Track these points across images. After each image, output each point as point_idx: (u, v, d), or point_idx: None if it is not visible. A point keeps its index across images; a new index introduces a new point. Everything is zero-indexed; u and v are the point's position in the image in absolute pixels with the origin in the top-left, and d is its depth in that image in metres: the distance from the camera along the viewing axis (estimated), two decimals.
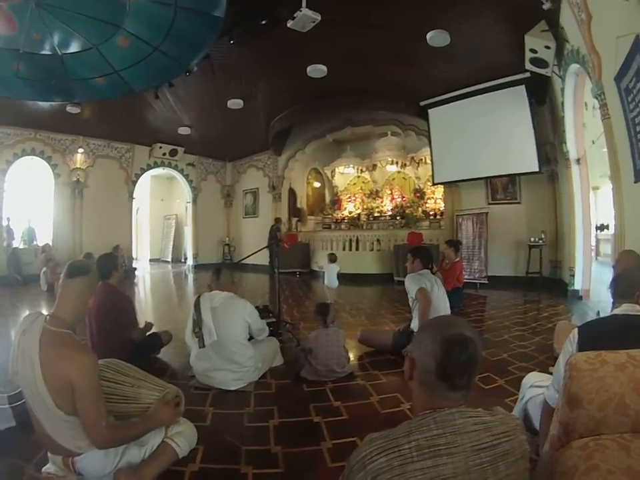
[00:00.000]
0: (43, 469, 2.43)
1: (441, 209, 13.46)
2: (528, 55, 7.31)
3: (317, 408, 3.38)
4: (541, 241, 9.73)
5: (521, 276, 10.18)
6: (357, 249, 12.96)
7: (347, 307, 8.03)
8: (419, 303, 4.61)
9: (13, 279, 11.93)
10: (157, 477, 2.39)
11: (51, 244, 13.18)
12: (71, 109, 10.98)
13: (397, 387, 3.83)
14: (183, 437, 2.61)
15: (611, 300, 2.42)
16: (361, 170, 16.88)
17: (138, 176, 15.78)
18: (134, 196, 15.82)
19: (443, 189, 12.58)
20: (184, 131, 13.54)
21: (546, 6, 6.18)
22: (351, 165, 16.74)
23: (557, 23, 6.65)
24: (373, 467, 1.18)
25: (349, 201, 17.23)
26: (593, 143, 7.86)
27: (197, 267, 16.94)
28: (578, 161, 8.00)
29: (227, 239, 18.15)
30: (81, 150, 14.12)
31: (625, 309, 2.21)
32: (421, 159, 14.75)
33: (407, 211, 14.85)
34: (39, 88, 7.97)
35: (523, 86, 9.15)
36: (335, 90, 10.11)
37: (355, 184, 17.36)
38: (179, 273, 16.41)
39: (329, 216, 17.19)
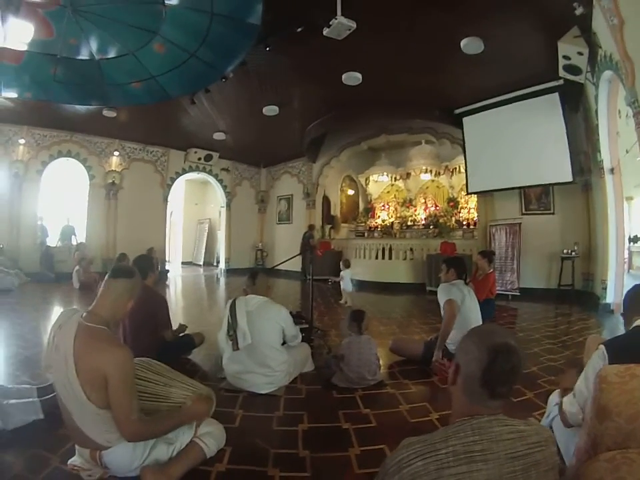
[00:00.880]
0: (69, 461, 2.46)
1: (475, 218, 13.28)
2: (561, 62, 7.23)
3: (346, 415, 3.36)
4: (573, 253, 9.50)
5: (553, 288, 9.95)
6: (390, 257, 12.83)
7: (379, 315, 7.97)
8: (445, 313, 4.57)
9: (46, 276, 12.20)
10: (184, 476, 2.40)
11: (84, 243, 13.48)
12: (107, 113, 11.22)
13: (426, 396, 3.81)
14: (211, 437, 2.64)
15: (623, 314, 2.41)
16: (395, 178, 16.75)
17: (173, 180, 16.00)
18: (168, 199, 16.03)
19: (476, 199, 12.44)
20: (219, 136, 13.67)
21: (578, 11, 6.13)
22: (385, 173, 16.64)
23: (590, 28, 6.58)
24: (410, 470, 1.20)
25: (383, 209, 17.14)
26: (627, 152, 7.66)
27: (229, 272, 17.04)
28: (612, 170, 7.82)
29: (260, 244, 18.23)
30: (116, 153, 14.42)
31: None
32: (455, 168, 14.59)
33: (440, 221, 14.69)
34: (76, 92, 8.15)
35: (557, 94, 9.02)
36: (369, 97, 10.10)
37: (388, 192, 17.25)
38: (210, 277, 16.52)
39: (362, 224, 17.08)
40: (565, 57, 7.07)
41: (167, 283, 13.80)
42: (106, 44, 6.82)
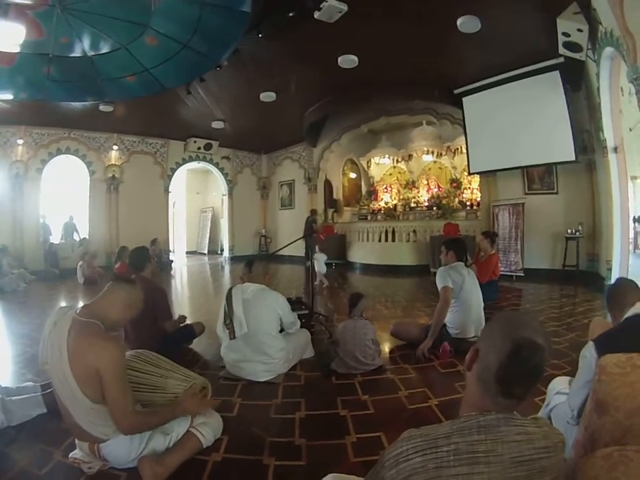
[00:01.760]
0: (71, 454, 2.50)
1: (478, 199, 13.20)
2: (561, 39, 7.06)
3: (345, 401, 3.36)
4: (578, 233, 9.38)
5: (558, 269, 9.84)
6: (393, 240, 12.82)
7: (382, 298, 7.99)
8: (439, 300, 4.57)
9: (50, 273, 12.27)
10: (181, 465, 2.42)
11: (87, 238, 13.54)
12: (103, 108, 11.23)
13: (426, 382, 3.79)
14: (208, 427, 2.67)
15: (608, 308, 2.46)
16: (397, 160, 16.61)
17: (173, 170, 16.01)
18: (170, 190, 16.05)
19: (479, 179, 12.35)
20: (217, 124, 13.62)
21: None
22: (387, 155, 16.51)
23: (589, 4, 6.38)
24: (407, 466, 1.14)
25: (385, 192, 17.08)
26: (630, 130, 7.51)
27: (233, 259, 17.08)
28: (615, 149, 7.66)
29: (263, 230, 18.24)
30: (115, 147, 14.44)
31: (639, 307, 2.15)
32: (457, 148, 14.43)
33: (443, 202, 14.65)
34: (71, 89, 8.14)
35: (558, 71, 8.83)
36: (367, 80, 9.99)
37: (390, 174, 17.18)
38: (215, 265, 16.58)
39: (365, 207, 17.00)
40: (565, 34, 6.92)
41: (172, 273, 13.83)
42: (97, 40, 6.79)
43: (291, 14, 6.86)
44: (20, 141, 12.78)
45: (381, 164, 17.06)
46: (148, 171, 15.24)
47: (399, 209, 16.09)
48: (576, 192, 9.75)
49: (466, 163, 11.90)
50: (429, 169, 16.05)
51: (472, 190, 14.29)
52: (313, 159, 16.27)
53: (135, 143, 14.96)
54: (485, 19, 7.16)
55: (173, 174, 16.06)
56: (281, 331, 4.15)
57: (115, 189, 14.43)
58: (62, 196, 15.24)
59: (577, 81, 8.80)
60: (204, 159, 16.74)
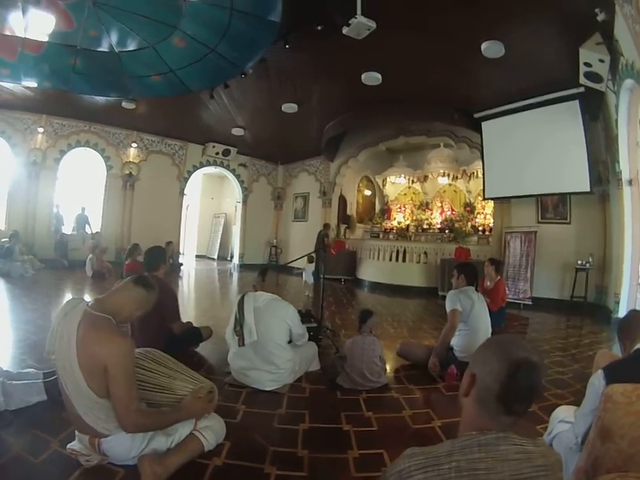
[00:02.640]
0: (68, 445, 2.49)
1: (490, 224, 13.17)
2: (582, 69, 7.10)
3: (348, 416, 3.34)
4: (588, 264, 9.32)
5: (566, 299, 9.77)
6: (404, 260, 12.73)
7: (390, 318, 7.93)
8: (447, 321, 4.58)
9: (59, 263, 12.40)
10: (180, 468, 2.40)
11: (99, 232, 13.63)
12: (126, 105, 11.38)
13: (431, 403, 3.77)
14: (211, 431, 2.65)
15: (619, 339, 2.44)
16: (412, 180, 16.58)
17: (190, 173, 16.08)
18: (185, 192, 16.11)
19: (493, 205, 12.33)
20: (237, 131, 13.71)
21: (600, 17, 6.01)
22: (403, 175, 16.49)
23: (612, 35, 6.42)
24: None
25: (399, 211, 17.05)
26: None
27: (242, 267, 17.08)
28: (630, 181, 7.63)
29: (274, 240, 18.22)
30: (134, 144, 14.58)
31: None
32: (473, 173, 14.44)
33: (456, 225, 14.58)
34: (95, 83, 8.24)
35: (577, 101, 8.87)
36: (389, 98, 10.06)
37: (405, 194, 17.15)
38: (224, 271, 16.61)
39: (378, 225, 16.99)
40: (586, 64, 6.96)
41: (180, 275, 13.85)
42: (126, 37, 6.88)
43: (319, 27, 6.93)
44: (40, 129, 12.96)
45: (396, 183, 17.03)
46: (165, 171, 15.35)
47: (411, 229, 16.02)
48: (588, 223, 9.70)
49: (481, 188, 11.95)
50: (444, 191, 16.01)
51: (485, 215, 14.23)
52: (329, 173, 16.31)
53: (154, 142, 15.10)
54: (509, 44, 7.24)
55: (190, 177, 16.14)
56: (289, 342, 4.13)
57: (131, 186, 14.55)
58: (77, 188, 15.34)
59: (595, 112, 8.83)
60: (221, 165, 16.84)
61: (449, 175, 15.29)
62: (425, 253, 12.55)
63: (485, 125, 10.84)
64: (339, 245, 14.04)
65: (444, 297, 4.89)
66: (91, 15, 6.27)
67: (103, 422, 2.32)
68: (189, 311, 7.31)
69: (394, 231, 16.21)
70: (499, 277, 7.10)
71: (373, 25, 6.22)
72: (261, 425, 3.16)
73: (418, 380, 4.34)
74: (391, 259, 12.91)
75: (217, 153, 15.97)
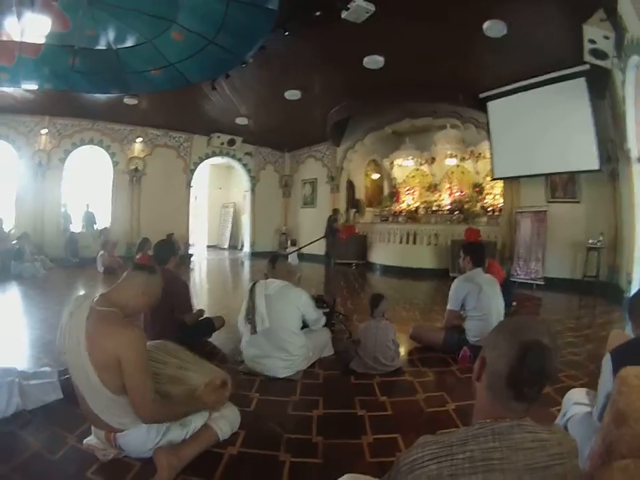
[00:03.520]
0: (85, 440, 2.53)
1: (500, 205, 13.01)
2: (587, 46, 6.96)
3: (362, 401, 3.35)
4: (599, 244, 9.17)
5: (578, 279, 9.64)
6: (414, 242, 12.68)
7: (401, 301, 7.93)
8: (444, 319, 4.71)
9: (70, 261, 12.44)
10: (195, 458, 2.42)
11: (108, 228, 13.68)
12: (128, 101, 11.37)
13: (444, 385, 3.76)
14: (225, 421, 2.67)
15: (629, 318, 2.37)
16: (420, 163, 16.46)
17: (196, 164, 16.07)
18: (192, 184, 16.13)
19: (502, 185, 12.22)
20: (242, 121, 13.64)
21: None
22: (410, 157, 16.37)
23: (616, 11, 6.26)
24: (422, 473, 1.14)
25: (408, 194, 16.88)
26: None
27: (254, 255, 17.05)
28: (639, 159, 7.50)
29: (284, 228, 18.19)
30: (139, 139, 14.59)
31: None
32: (480, 153, 14.31)
33: (465, 206, 14.46)
34: (96, 81, 8.25)
35: (583, 79, 8.69)
36: (392, 81, 9.90)
37: (413, 177, 16.93)
38: (235, 260, 16.64)
39: (387, 208, 16.81)
40: (591, 41, 6.83)
41: (191, 266, 13.87)
42: (123, 33, 6.87)
43: (318, 13, 6.83)
44: (44, 131, 13.00)
45: (404, 166, 16.88)
46: (171, 164, 15.34)
47: (421, 211, 15.84)
48: (599, 201, 9.53)
49: (489, 168, 11.81)
50: (452, 172, 15.81)
51: (494, 195, 14.06)
52: (336, 159, 16.16)
53: (159, 136, 15.06)
54: (511, 23, 7.07)
55: (196, 168, 16.12)
56: (303, 327, 4.15)
57: (138, 180, 14.57)
58: (85, 185, 15.47)
59: (602, 89, 8.61)
60: (227, 155, 16.79)
61: (456, 156, 15.17)
62: (436, 234, 12.51)
63: (490, 104, 10.68)
64: (349, 230, 13.97)
65: (455, 278, 4.86)
66: (86, 14, 6.25)
67: (117, 417, 2.34)
68: (201, 302, 7.34)
69: (403, 214, 16.01)
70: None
71: (372, 7, 6.17)
72: (275, 412, 3.18)
73: (431, 363, 4.34)
74: (401, 242, 12.89)
75: (222, 143, 15.90)
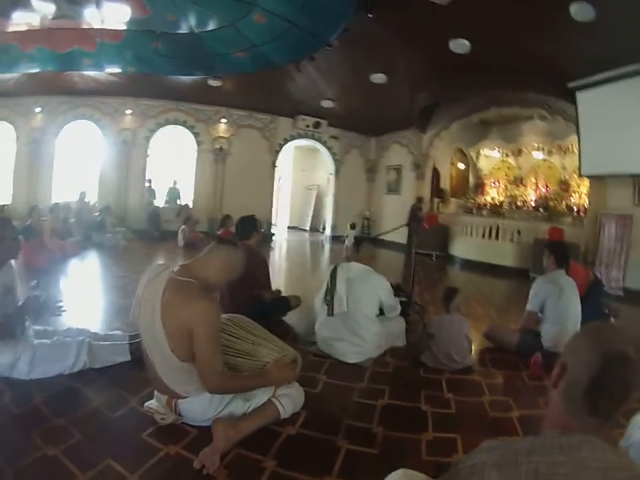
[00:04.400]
0: (146, 403, 2.62)
1: (585, 205, 12.25)
2: None
3: (428, 396, 3.29)
4: None
5: None
6: (497, 238, 12.27)
7: (479, 297, 7.76)
8: (522, 319, 4.54)
9: (151, 234, 12.93)
10: (253, 433, 2.44)
11: (191, 205, 14.19)
12: (212, 82, 11.65)
13: (511, 390, 3.60)
14: (289, 399, 2.68)
15: None
16: (506, 154, 15.97)
17: (281, 146, 16.21)
18: (276, 165, 16.30)
19: (588, 183, 11.53)
20: (327, 103, 13.60)
21: None
22: (496, 148, 15.93)
23: None
24: (481, 479, 1.07)
25: (492, 187, 16.45)
26: None
27: (334, 238, 17.02)
28: None
29: (367, 213, 18.01)
30: (223, 120, 14.91)
31: None
32: (568, 147, 13.58)
33: (550, 204, 13.84)
34: (179, 64, 8.47)
35: None
36: (478, 66, 9.43)
37: (499, 169, 16.48)
38: (315, 242, 16.78)
39: (472, 200, 16.37)
40: None
41: (272, 245, 14.09)
42: (204, 18, 7.03)
43: None
44: (128, 111, 13.72)
45: (489, 157, 16.47)
46: (255, 145, 15.56)
47: (505, 206, 15.31)
48: None
49: (576, 164, 11.14)
50: (538, 166, 15.21)
51: (580, 195, 13.37)
52: (421, 146, 15.73)
53: (243, 117, 15.33)
54: (600, 6, 6.50)
55: (281, 149, 16.28)
56: (379, 315, 4.12)
57: (222, 160, 14.94)
58: (168, 163, 15.98)
59: None
60: (312, 137, 16.80)
61: (543, 150, 14.59)
62: (518, 231, 11.99)
63: (579, 95, 9.92)
64: (432, 219, 13.70)
65: (534, 280, 4.68)
66: (165, 0, 6.40)
67: (182, 384, 2.41)
68: (279, 281, 7.44)
69: (487, 207, 15.59)
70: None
71: None
72: (340, 397, 3.19)
73: (502, 365, 4.19)
74: (483, 236, 12.52)
75: (308, 126, 15.92)
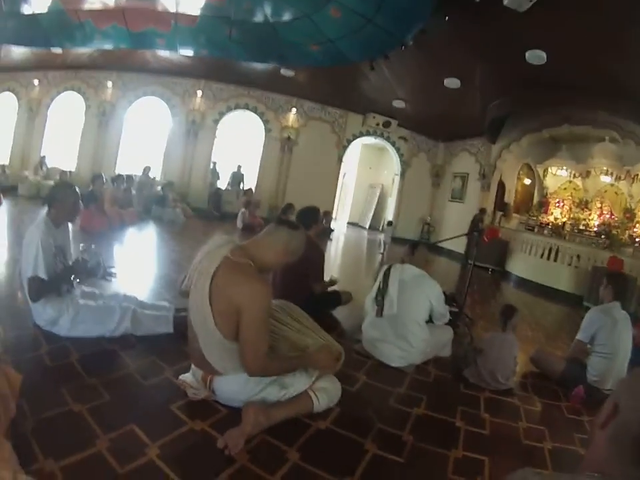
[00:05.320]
0: (181, 376, 2.67)
1: None
2: None
3: (464, 413, 3.24)
4: None
5: None
6: (555, 259, 11.81)
7: (529, 318, 7.54)
8: (572, 348, 4.40)
9: (211, 214, 13.27)
10: (283, 422, 2.44)
11: (253, 189, 14.23)
12: (284, 72, 11.81)
13: (548, 420, 3.48)
14: (325, 393, 2.67)
15: None
16: (574, 175, 15.43)
17: (349, 142, 16.21)
18: (343, 160, 16.35)
19: None
20: (398, 104, 13.53)
21: None
22: (565, 167, 15.42)
23: None
24: None
25: (557, 206, 15.95)
26: None
27: (393, 239, 16.51)
28: None
29: (429, 218, 17.85)
30: (294, 110, 15.06)
31: None
32: (638, 174, 13.10)
33: (613, 232, 13.24)
34: (253, 51, 8.57)
35: None
36: (553, 80, 9.15)
37: (565, 189, 15.96)
38: (373, 241, 16.56)
39: (534, 217, 15.88)
40: None
41: (330, 238, 14.05)
42: (280, 8, 7.09)
43: None
44: (199, 92, 14.13)
45: (557, 175, 15.94)
46: (324, 138, 15.64)
47: (567, 228, 14.87)
48: None
49: None
50: (605, 191, 14.65)
51: None
52: (490, 156, 15.38)
53: (314, 109, 15.45)
54: None
55: (349, 145, 16.29)
56: (428, 321, 4.09)
57: (289, 149, 15.11)
58: (234, 147, 16.30)
59: None
60: (381, 136, 16.72)
61: (611, 174, 14.02)
62: (578, 256, 11.51)
63: None
64: (493, 233, 13.29)
65: (588, 309, 4.54)
66: None
67: (222, 361, 2.43)
68: (333, 274, 7.49)
69: (549, 227, 15.14)
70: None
71: None
72: (376, 399, 3.19)
73: (543, 392, 4.06)
74: (542, 256, 12.08)
75: (377, 124, 15.86)
